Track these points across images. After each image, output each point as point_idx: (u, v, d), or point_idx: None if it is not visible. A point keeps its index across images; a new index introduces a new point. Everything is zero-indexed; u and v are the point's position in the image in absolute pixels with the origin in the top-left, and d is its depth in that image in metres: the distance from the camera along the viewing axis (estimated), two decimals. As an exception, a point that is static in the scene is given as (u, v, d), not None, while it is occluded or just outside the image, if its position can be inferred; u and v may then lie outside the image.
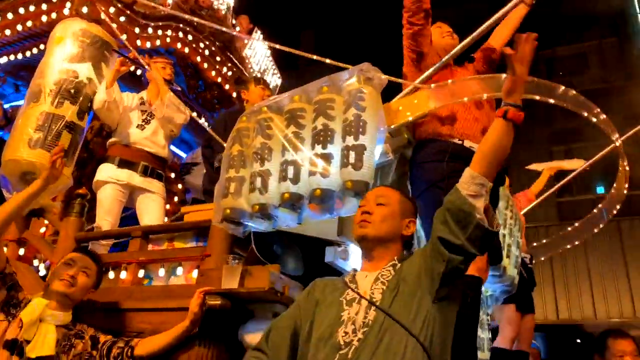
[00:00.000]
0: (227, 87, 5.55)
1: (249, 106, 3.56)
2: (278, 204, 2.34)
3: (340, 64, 2.61)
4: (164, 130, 3.85)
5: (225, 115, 3.45)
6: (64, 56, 3.44)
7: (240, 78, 3.67)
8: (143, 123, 3.81)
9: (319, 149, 2.28)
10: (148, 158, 3.77)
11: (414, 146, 2.62)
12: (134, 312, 2.62)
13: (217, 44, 5.39)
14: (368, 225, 1.79)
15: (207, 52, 5.16)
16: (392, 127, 2.40)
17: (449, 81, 2.42)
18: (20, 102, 4.72)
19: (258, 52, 6.82)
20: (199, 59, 5.09)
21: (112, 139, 3.80)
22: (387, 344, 1.51)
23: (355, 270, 1.86)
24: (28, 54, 4.54)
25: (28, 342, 2.21)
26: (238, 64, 5.70)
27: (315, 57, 2.78)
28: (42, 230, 3.68)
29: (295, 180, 2.30)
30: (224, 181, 2.49)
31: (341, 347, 1.54)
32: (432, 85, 2.43)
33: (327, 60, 2.70)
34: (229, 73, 5.50)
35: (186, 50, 4.95)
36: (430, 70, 2.55)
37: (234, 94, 5.74)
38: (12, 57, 4.63)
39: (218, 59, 5.29)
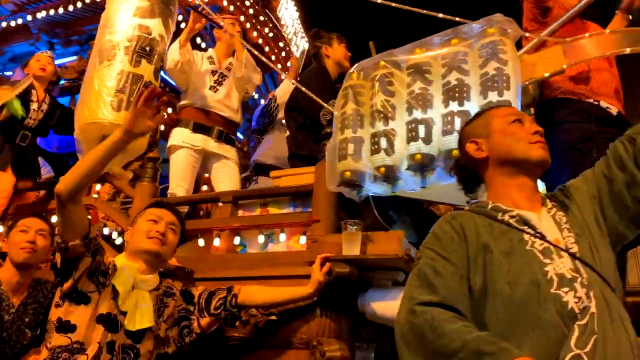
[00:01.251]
0: (267, 49, 5.32)
1: (330, 63, 3.40)
2: (406, 166, 2.20)
3: (458, 19, 2.44)
4: (239, 92, 3.70)
5: (309, 74, 3.27)
6: (133, 11, 3.20)
7: (320, 32, 3.47)
8: (216, 85, 3.64)
9: (454, 106, 2.14)
10: (222, 122, 3.62)
11: (540, 105, 2.48)
12: (234, 280, 2.47)
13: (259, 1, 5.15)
14: (547, 149, 1.42)
15: (251, 10, 4.92)
16: (526, 83, 2.25)
17: (586, 35, 2.27)
18: (58, 62, 4.47)
19: (288, 14, 6.58)
20: (242, 17, 4.85)
21: (184, 102, 3.62)
22: (617, 311, 1.23)
23: (495, 205, 1.39)
24: (71, 8, 4.26)
25: (123, 313, 2.02)
26: (277, 24, 5.46)
27: (424, 11, 2.60)
28: (94, 196, 3.52)
29: (428, 140, 2.16)
30: (338, 143, 2.34)
31: (577, 316, 1.17)
32: (567, 39, 2.27)
33: (440, 15, 2.52)
34: (270, 34, 5.26)
35: (231, 8, 4.71)
36: (558, 22, 2.39)
37: (273, 57, 5.53)
38: (51, 12, 4.35)
39: (261, 18, 5.05)
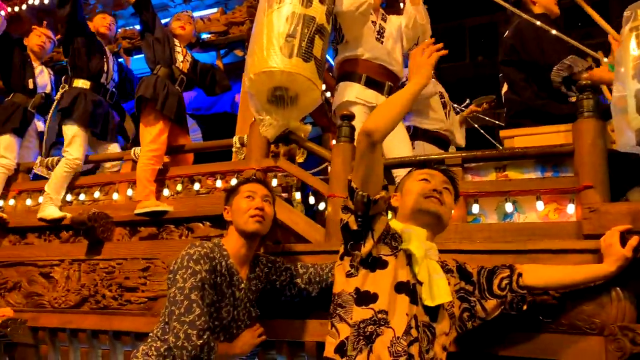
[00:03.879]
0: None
1: (538, 10, 3.07)
2: None
3: None
4: (409, 42, 3.42)
5: (527, 23, 2.90)
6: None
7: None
8: (379, 36, 3.35)
9: None
10: (391, 77, 3.35)
11: None
12: (482, 254, 2.19)
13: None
14: None
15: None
16: None
17: None
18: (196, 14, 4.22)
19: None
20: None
21: (350, 53, 3.34)
22: None
23: None
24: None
25: (420, 284, 1.79)
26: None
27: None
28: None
29: None
30: (636, 93, 2.01)
31: None
32: None
33: None
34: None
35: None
36: None
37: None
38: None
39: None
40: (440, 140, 3.92)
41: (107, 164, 3.88)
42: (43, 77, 4.05)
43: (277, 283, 2.37)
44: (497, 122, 5.49)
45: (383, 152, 3.35)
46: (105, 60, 3.76)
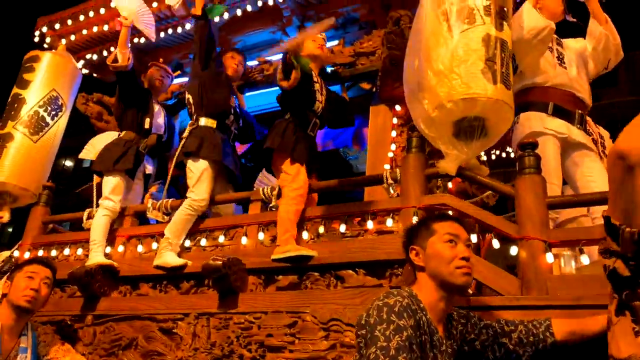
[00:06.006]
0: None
1: None
2: None
3: None
4: (594, 68, 3.10)
5: None
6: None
7: None
8: (560, 62, 3.00)
9: None
10: (580, 105, 3.00)
11: None
12: None
13: None
14: None
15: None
16: None
17: None
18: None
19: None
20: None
21: (532, 81, 3.01)
22: None
23: None
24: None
25: None
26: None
27: None
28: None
29: None
30: None
31: None
32: None
33: None
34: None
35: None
36: None
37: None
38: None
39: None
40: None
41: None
42: (159, 119, 3.88)
43: (476, 343, 1.96)
44: None
45: (578, 186, 2.94)
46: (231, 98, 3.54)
